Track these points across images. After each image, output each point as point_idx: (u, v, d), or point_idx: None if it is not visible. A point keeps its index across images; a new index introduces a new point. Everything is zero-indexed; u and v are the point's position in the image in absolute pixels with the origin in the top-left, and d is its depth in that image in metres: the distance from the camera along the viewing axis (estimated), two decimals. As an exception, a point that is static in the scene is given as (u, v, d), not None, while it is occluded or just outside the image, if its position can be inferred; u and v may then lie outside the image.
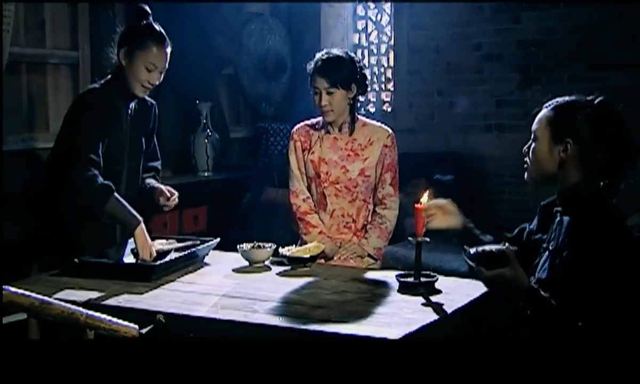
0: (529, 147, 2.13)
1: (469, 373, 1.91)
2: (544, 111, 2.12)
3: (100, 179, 2.63)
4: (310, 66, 2.89)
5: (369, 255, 2.92)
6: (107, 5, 4.18)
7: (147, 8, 2.82)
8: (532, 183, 2.16)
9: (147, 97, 2.94)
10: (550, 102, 2.13)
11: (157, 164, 3.07)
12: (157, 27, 2.79)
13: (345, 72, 2.86)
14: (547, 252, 2.08)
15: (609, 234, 1.95)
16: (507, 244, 2.00)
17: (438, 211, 2.32)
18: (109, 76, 2.84)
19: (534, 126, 2.12)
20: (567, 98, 2.11)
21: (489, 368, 1.92)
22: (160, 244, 2.67)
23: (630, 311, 1.93)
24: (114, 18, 4.22)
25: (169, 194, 2.88)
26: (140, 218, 2.63)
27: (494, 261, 1.98)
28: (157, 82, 2.79)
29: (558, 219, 2.10)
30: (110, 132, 2.78)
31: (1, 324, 1.84)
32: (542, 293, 1.96)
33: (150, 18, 2.80)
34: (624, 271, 1.92)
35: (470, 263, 2.05)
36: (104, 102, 2.77)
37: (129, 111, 2.85)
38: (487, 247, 2.04)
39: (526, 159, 2.15)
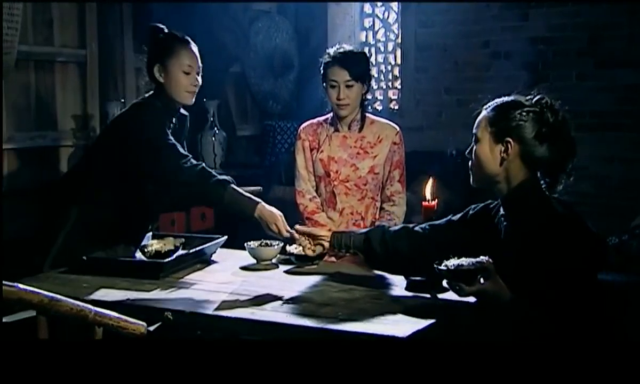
0: (471, 150, 2.14)
1: (477, 372, 1.91)
2: (483, 112, 2.13)
3: (213, 173, 2.62)
4: (326, 59, 2.87)
5: None
6: (114, 3, 4.20)
7: (160, 25, 2.81)
8: (478, 186, 2.16)
9: (181, 110, 2.93)
10: (490, 103, 2.13)
11: None
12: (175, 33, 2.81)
13: (363, 67, 2.87)
14: (503, 261, 2.05)
15: (561, 230, 1.96)
16: (486, 257, 1.95)
17: (308, 239, 2.43)
18: (148, 96, 2.83)
19: (475, 128, 2.13)
20: (506, 98, 2.12)
21: (495, 366, 1.91)
22: (156, 245, 2.68)
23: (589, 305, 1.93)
24: (121, 17, 4.24)
25: None
26: (257, 200, 2.59)
27: (471, 274, 1.94)
28: (199, 84, 2.77)
29: (505, 224, 2.09)
30: None
31: (1, 322, 1.85)
32: (522, 302, 1.94)
33: (165, 30, 2.81)
34: (581, 265, 1.93)
35: (447, 280, 2.00)
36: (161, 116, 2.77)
37: (171, 127, 2.84)
38: (459, 262, 1.97)
39: (470, 162, 2.15)
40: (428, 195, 2.36)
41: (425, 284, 2.33)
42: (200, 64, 2.79)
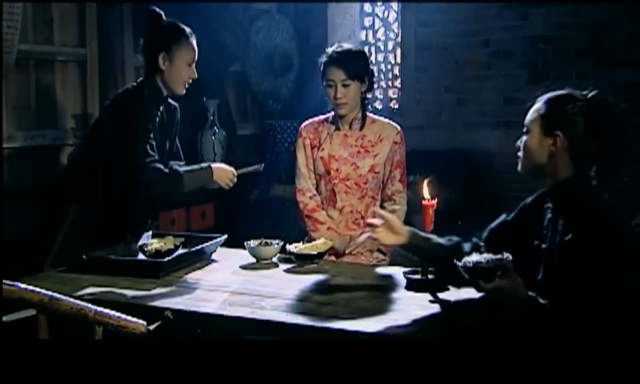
0: (521, 141, 2.13)
1: (476, 371, 1.91)
2: (537, 104, 2.12)
3: (164, 171, 2.74)
4: (323, 59, 2.88)
5: (379, 250, 2.92)
6: (114, 3, 4.20)
7: (157, 9, 2.86)
8: (525, 174, 2.15)
9: (171, 101, 2.98)
10: (543, 96, 2.12)
11: (181, 164, 3.08)
12: (177, 23, 2.86)
13: (361, 65, 2.86)
14: (540, 252, 2.06)
15: (602, 230, 1.95)
16: (506, 254, 1.96)
17: (385, 228, 2.29)
18: (139, 82, 2.87)
19: (527, 119, 2.12)
20: (560, 91, 2.11)
21: (495, 366, 1.91)
22: (156, 244, 2.68)
23: (622, 306, 1.92)
24: (121, 16, 4.23)
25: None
26: (206, 164, 2.89)
27: (489, 272, 1.94)
28: (196, 76, 2.87)
29: (550, 216, 2.09)
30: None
31: (1, 322, 1.85)
32: (540, 300, 1.94)
33: (164, 16, 2.86)
34: (619, 267, 1.91)
35: (466, 276, 2.01)
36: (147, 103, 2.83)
37: (158, 115, 2.89)
38: (479, 258, 1.98)
39: (519, 152, 2.15)
40: (426, 195, 2.36)
41: (425, 284, 2.34)
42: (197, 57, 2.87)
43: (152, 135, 2.78)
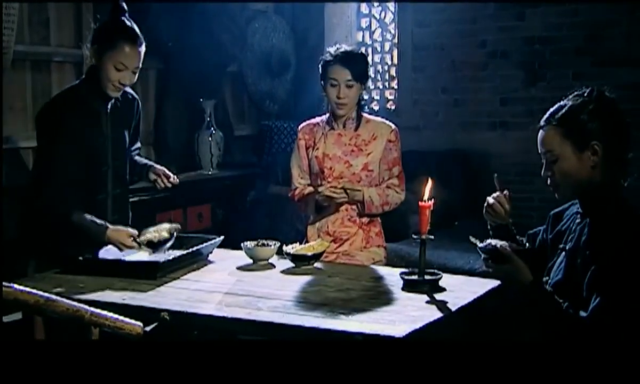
0: (550, 170, 2.09)
1: (473, 371, 1.91)
2: (548, 131, 2.07)
3: (59, 208, 2.64)
4: (327, 58, 2.88)
5: (377, 245, 2.94)
6: (111, 3, 4.19)
7: (123, 4, 2.73)
8: (568, 198, 2.15)
9: (129, 91, 2.87)
10: (545, 120, 2.08)
11: (137, 144, 3.03)
12: (130, 24, 2.71)
13: (363, 67, 2.89)
14: (563, 253, 2.07)
15: (633, 232, 1.96)
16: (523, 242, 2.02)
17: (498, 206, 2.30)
18: (84, 76, 2.80)
19: (546, 148, 2.07)
20: (560, 107, 2.08)
21: (492, 366, 1.92)
22: (149, 233, 2.65)
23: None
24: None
25: (169, 175, 2.92)
26: (106, 225, 2.64)
27: (500, 256, 2.07)
28: (130, 82, 2.72)
29: (578, 220, 2.09)
30: (89, 134, 2.72)
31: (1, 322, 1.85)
32: (545, 288, 1.98)
33: (126, 14, 2.72)
34: None
35: (482, 255, 2.13)
36: (79, 103, 2.71)
37: (107, 109, 2.77)
38: (494, 242, 2.10)
39: (549, 181, 2.11)
40: (426, 196, 2.36)
41: (422, 284, 2.34)
42: (138, 65, 2.71)
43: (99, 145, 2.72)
